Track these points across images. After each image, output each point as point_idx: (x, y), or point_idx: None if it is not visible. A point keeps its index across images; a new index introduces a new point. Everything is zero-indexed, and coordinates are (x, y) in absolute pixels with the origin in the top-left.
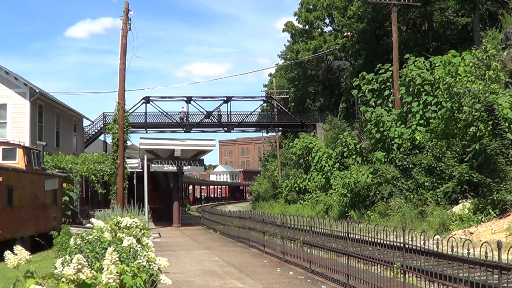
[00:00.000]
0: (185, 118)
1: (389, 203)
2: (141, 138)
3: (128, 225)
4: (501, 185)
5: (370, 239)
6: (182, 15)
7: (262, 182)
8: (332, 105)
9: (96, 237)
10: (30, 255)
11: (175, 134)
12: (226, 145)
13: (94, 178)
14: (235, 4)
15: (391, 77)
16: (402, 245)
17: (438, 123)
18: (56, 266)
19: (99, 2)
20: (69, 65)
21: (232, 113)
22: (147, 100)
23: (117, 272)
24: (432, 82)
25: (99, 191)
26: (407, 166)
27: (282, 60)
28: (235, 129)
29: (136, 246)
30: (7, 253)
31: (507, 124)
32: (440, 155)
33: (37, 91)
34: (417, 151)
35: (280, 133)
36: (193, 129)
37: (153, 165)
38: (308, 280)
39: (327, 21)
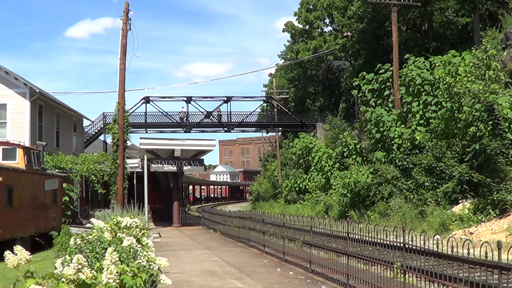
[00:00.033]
0: (185, 118)
1: (389, 203)
2: (141, 138)
3: (128, 225)
4: (501, 185)
5: (370, 239)
6: (182, 15)
7: (262, 182)
8: (332, 105)
9: (96, 237)
10: (30, 255)
11: (175, 134)
12: (226, 145)
13: (94, 178)
14: (235, 4)
15: (391, 77)
16: (402, 245)
17: (438, 123)
18: (56, 266)
19: (99, 2)
20: (69, 65)
21: (232, 113)
22: (147, 100)
23: (117, 272)
24: (432, 82)
25: (99, 191)
26: (407, 166)
27: (282, 60)
28: (235, 129)
29: (136, 246)
30: (7, 253)
31: (507, 124)
32: (440, 155)
33: (37, 91)
34: (417, 151)
35: (280, 133)
36: (193, 129)
37: (153, 165)
38: (308, 280)
39: (327, 21)
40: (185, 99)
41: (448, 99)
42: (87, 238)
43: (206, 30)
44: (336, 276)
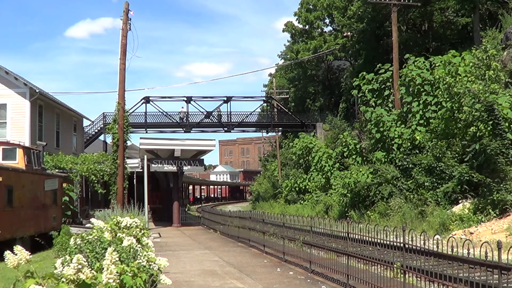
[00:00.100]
0: (185, 118)
1: (389, 203)
2: (141, 138)
3: (128, 225)
4: (501, 185)
5: (370, 239)
6: (182, 15)
7: (262, 182)
8: (332, 105)
9: (96, 237)
10: (30, 255)
11: (175, 134)
12: (226, 145)
13: (94, 178)
14: (235, 4)
15: (391, 77)
16: (402, 245)
17: (438, 123)
18: (56, 266)
19: (99, 2)
20: (69, 65)
21: (232, 113)
22: (147, 100)
23: (117, 272)
24: (432, 82)
25: (99, 191)
26: (407, 166)
27: (282, 60)
28: (235, 129)
29: (136, 246)
30: (7, 253)
31: (507, 124)
32: (440, 155)
33: (37, 91)
34: (417, 151)
35: (280, 133)
36: (193, 129)
37: (153, 165)
38: (308, 280)
39: (327, 21)
40: (185, 99)
41: (448, 99)
42: (87, 238)
43: (206, 30)
44: (336, 276)
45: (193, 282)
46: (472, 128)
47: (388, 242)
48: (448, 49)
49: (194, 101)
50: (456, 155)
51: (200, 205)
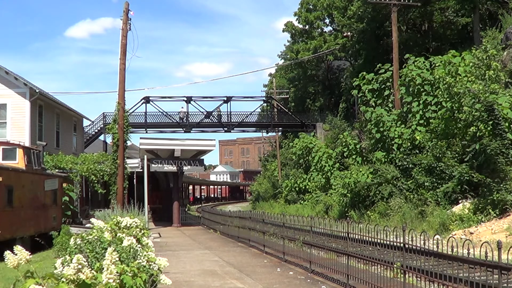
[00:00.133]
0: (185, 118)
1: (389, 203)
2: (141, 138)
3: (128, 225)
4: (501, 185)
5: (370, 239)
6: (182, 15)
7: (262, 182)
8: (332, 105)
9: (96, 237)
10: (30, 255)
11: (175, 134)
12: (226, 145)
13: (94, 178)
14: (235, 4)
15: (391, 77)
16: (402, 245)
17: (438, 123)
18: (56, 266)
19: (99, 2)
20: (69, 65)
21: (232, 113)
22: (147, 100)
23: (117, 272)
24: (432, 82)
25: (99, 191)
26: (407, 166)
27: (282, 60)
28: (235, 129)
29: (136, 246)
30: (7, 253)
31: (507, 124)
32: (440, 155)
33: (37, 91)
34: (417, 151)
35: (280, 133)
36: (193, 129)
37: (153, 165)
38: (308, 280)
39: (327, 21)
40: (185, 99)
41: (448, 99)
42: (87, 238)
43: (206, 30)
44: (336, 276)
45: (193, 282)
46: (472, 128)
47: (388, 242)
48: (448, 49)
49: (194, 101)
50: (456, 155)
51: (200, 205)
